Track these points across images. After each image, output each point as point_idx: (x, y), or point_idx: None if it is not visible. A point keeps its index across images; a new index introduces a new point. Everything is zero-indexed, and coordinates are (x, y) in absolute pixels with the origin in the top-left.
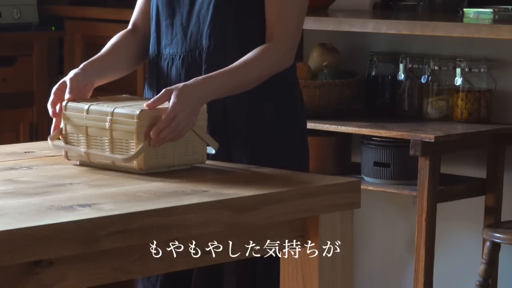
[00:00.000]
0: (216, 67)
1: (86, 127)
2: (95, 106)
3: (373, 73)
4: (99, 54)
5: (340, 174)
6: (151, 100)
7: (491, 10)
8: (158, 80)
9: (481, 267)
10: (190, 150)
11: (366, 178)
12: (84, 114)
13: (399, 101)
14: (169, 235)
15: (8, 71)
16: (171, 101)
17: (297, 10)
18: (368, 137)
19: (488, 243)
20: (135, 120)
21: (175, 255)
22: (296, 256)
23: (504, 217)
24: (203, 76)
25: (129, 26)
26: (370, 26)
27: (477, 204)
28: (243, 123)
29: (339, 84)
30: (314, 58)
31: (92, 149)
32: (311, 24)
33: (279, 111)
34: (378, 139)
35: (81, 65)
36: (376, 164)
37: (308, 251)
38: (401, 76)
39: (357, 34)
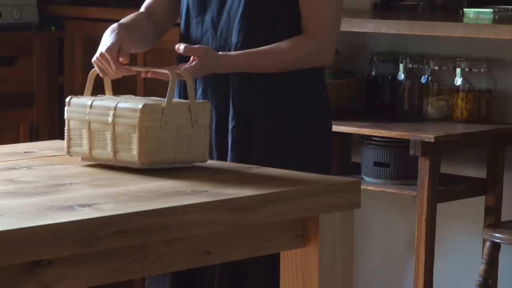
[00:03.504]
0: None
1: (89, 122)
2: (99, 102)
3: (373, 73)
4: (124, 22)
5: (340, 174)
6: (186, 45)
7: (491, 10)
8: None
9: (481, 267)
10: (192, 148)
11: (366, 178)
12: (88, 109)
13: (399, 101)
14: (169, 235)
15: (8, 71)
16: (199, 54)
17: (332, 6)
18: (368, 137)
19: (488, 243)
20: (138, 114)
21: (175, 255)
22: (296, 256)
23: (504, 217)
24: (231, 52)
25: (142, 9)
26: (370, 26)
27: (477, 204)
28: (265, 117)
29: (339, 84)
30: None
31: (94, 144)
32: None
33: (305, 106)
34: (378, 139)
35: (121, 30)
36: (376, 164)
37: (308, 251)
38: (401, 76)
39: (357, 34)
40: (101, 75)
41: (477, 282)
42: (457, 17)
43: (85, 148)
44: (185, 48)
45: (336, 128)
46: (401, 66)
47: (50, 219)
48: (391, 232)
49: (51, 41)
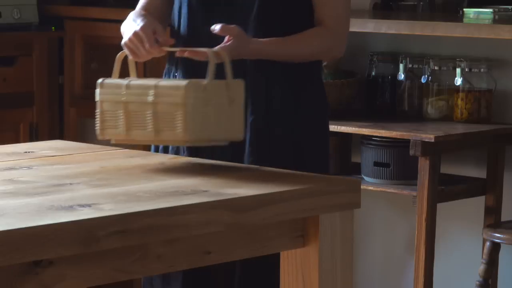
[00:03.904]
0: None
1: (126, 102)
2: (136, 81)
3: (373, 73)
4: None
5: (340, 174)
6: (223, 24)
7: (491, 10)
8: (194, 73)
9: (481, 267)
10: (229, 126)
11: (366, 178)
12: (124, 90)
13: (399, 101)
14: (169, 235)
15: (8, 71)
16: (235, 32)
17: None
18: (368, 137)
19: (488, 243)
20: (183, 91)
21: (175, 255)
22: (296, 256)
23: (504, 217)
24: (262, 39)
25: (139, 11)
26: (370, 26)
27: (477, 204)
28: (285, 112)
29: (339, 84)
30: None
31: (132, 124)
32: None
33: (316, 103)
34: (378, 139)
35: (147, 13)
36: (376, 164)
37: (308, 251)
38: (401, 76)
39: (357, 34)
40: (131, 57)
41: (477, 282)
42: (457, 17)
43: (121, 129)
44: (221, 27)
45: (336, 128)
46: (401, 66)
47: (50, 219)
48: (391, 232)
49: (51, 41)
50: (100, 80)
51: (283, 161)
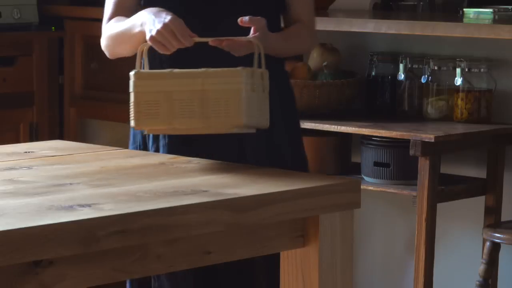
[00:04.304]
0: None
1: (169, 92)
2: (179, 70)
3: (373, 73)
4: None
5: (340, 174)
6: (250, 16)
7: (491, 10)
8: (182, 61)
9: (481, 267)
10: (261, 113)
11: (366, 178)
12: (167, 79)
13: (399, 101)
14: (169, 235)
15: (8, 71)
16: (263, 23)
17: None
18: (368, 137)
19: (488, 243)
20: (240, 77)
21: (175, 255)
22: (296, 256)
23: (504, 217)
24: (273, 33)
25: (109, 21)
26: (370, 26)
27: (477, 204)
28: (281, 112)
29: (339, 84)
30: (314, 58)
31: (177, 113)
32: None
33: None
34: (378, 139)
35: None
36: (376, 164)
37: (308, 251)
38: (401, 76)
39: (357, 34)
40: (160, 50)
41: (477, 282)
42: (457, 17)
43: (162, 119)
44: (250, 18)
45: (336, 128)
46: (401, 66)
47: (50, 219)
48: (391, 232)
49: (51, 41)
50: (134, 71)
51: (285, 160)
